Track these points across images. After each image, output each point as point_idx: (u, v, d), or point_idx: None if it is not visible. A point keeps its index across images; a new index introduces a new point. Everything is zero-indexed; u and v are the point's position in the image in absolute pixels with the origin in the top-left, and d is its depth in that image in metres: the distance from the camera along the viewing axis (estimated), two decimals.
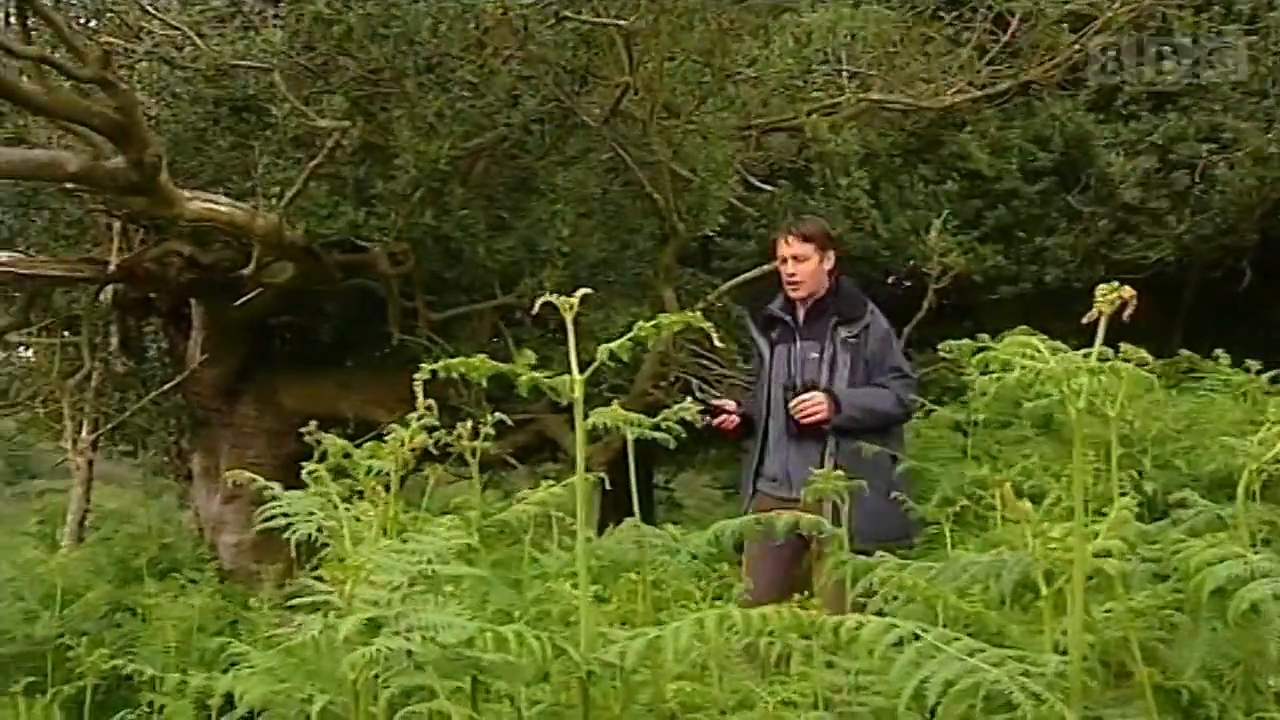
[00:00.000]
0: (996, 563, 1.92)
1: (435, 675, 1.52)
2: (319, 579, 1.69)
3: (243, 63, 5.44)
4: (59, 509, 8.77)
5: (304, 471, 1.93)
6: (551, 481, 2.40)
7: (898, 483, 4.39)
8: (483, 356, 1.75)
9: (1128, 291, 1.60)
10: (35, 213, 6.25)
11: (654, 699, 1.99)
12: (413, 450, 2.08)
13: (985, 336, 1.87)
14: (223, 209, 5.26)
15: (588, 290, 1.90)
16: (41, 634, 4.35)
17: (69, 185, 5.35)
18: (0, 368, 8.68)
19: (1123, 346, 1.72)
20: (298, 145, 5.49)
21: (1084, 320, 1.63)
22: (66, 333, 7.41)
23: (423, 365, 1.88)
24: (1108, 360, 1.62)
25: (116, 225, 5.87)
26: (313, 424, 2.10)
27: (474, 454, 2.29)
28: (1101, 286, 1.62)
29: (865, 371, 4.46)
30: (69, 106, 4.15)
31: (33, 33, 4.38)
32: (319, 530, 1.87)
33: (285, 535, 1.99)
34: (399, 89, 5.52)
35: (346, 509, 1.86)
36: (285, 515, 2.02)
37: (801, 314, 4.53)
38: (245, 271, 5.73)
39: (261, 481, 2.14)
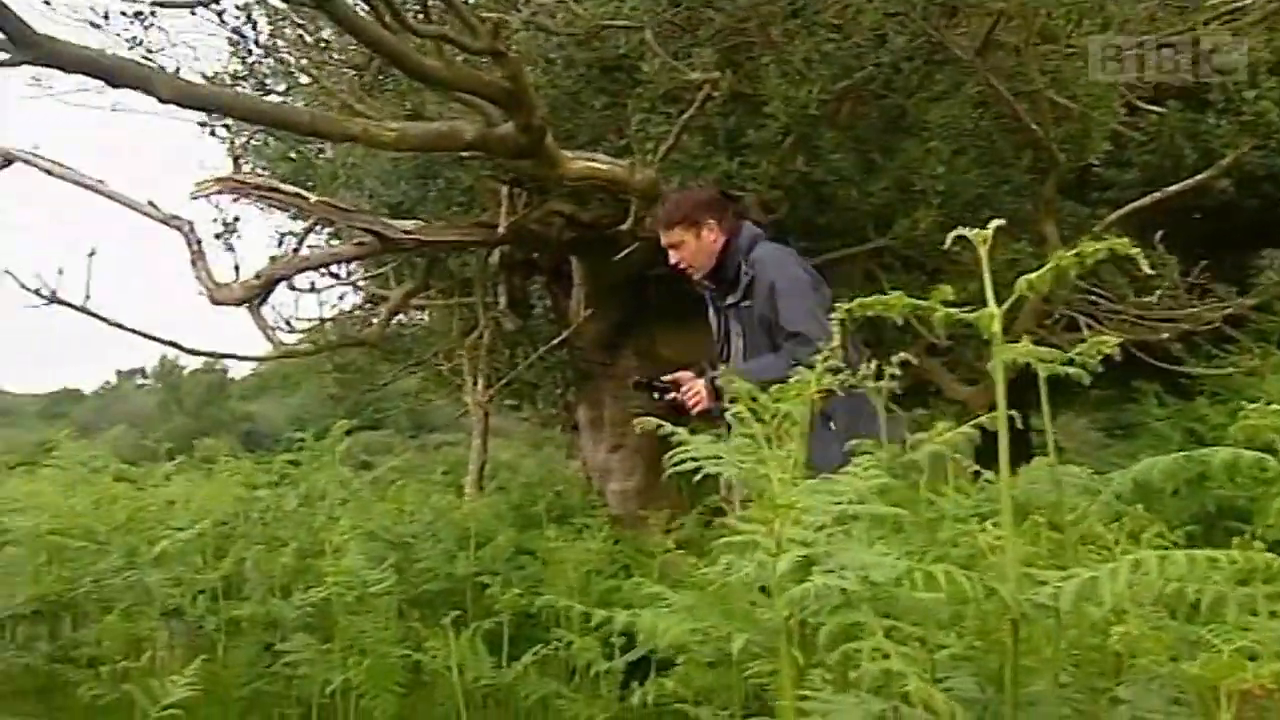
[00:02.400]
0: None
1: (870, 613, 1.50)
2: (744, 519, 1.71)
3: (613, 23, 5.58)
4: (460, 459, 9.45)
5: (726, 414, 1.95)
6: (951, 423, 2.33)
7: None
8: (898, 293, 1.71)
9: None
10: (431, 182, 6.70)
11: (1074, 642, 1.90)
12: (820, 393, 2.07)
13: None
14: (602, 166, 5.45)
15: (1001, 221, 1.81)
16: (460, 573, 4.70)
17: (461, 154, 5.70)
18: (405, 329, 9.40)
19: None
20: (668, 100, 5.58)
21: None
22: (460, 295, 7.93)
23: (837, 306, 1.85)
24: None
25: (504, 190, 6.19)
26: (721, 367, 2.12)
27: (880, 394, 2.25)
28: None
29: (767, 336, 3.91)
30: (466, 78, 4.41)
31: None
32: (737, 471, 1.89)
33: (694, 479, 2.02)
34: (765, 37, 5.53)
35: (770, 450, 1.87)
36: (694, 459, 2.06)
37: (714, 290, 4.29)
38: (623, 227, 5.91)
39: (668, 427, 2.19)
